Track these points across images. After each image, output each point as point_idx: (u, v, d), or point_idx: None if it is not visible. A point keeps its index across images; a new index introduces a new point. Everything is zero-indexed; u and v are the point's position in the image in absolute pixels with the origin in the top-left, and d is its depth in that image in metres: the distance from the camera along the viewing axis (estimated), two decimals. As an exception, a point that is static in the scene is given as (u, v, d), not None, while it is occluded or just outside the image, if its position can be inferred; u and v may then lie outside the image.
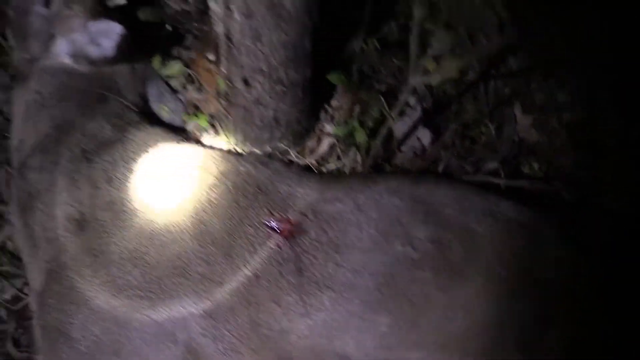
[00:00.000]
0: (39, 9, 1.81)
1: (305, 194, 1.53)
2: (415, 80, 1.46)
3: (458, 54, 2.19)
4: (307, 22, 1.39)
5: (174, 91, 1.94)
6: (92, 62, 1.66)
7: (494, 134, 2.05)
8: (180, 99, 1.94)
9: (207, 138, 1.89)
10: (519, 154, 2.00)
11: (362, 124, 1.72)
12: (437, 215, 1.46)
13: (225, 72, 1.59)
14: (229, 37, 1.44)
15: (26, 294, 1.82)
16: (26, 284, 1.83)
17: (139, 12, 2.01)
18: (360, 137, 1.67)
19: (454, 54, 2.14)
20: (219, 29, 1.44)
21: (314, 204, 1.49)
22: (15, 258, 1.83)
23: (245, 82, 1.54)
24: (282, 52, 1.44)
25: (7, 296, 1.84)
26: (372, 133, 1.74)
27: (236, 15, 1.36)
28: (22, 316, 1.83)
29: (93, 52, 1.63)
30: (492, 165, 1.98)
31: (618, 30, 1.83)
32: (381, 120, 1.73)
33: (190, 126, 1.89)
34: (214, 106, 1.89)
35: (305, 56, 1.49)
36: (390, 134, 1.84)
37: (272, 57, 1.45)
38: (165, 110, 1.81)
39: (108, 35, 1.60)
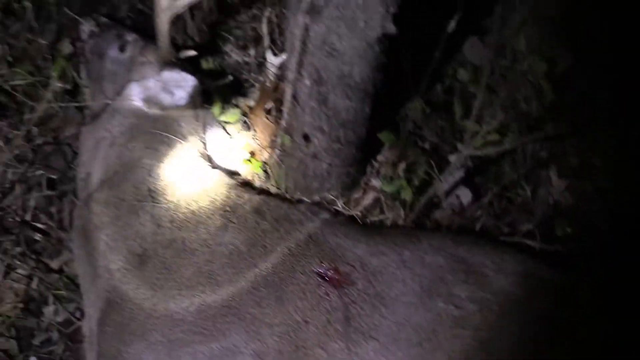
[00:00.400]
0: (115, 53, 1.97)
1: (353, 245, 1.62)
2: (468, 150, 1.55)
3: (499, 118, 2.31)
4: (370, 90, 1.51)
5: (231, 137, 2.07)
6: (163, 108, 1.79)
7: (530, 196, 2.14)
8: (229, 144, 2.06)
9: (259, 182, 2.01)
10: (553, 216, 2.08)
11: (409, 181, 1.82)
12: (477, 276, 1.54)
13: (285, 125, 1.72)
14: (295, 98, 1.57)
15: (78, 319, 1.92)
16: (79, 309, 1.93)
17: (203, 62, 2.17)
18: (407, 194, 1.77)
19: (495, 118, 2.26)
20: (287, 88, 1.56)
21: (362, 256, 1.58)
22: (71, 283, 1.94)
23: (306, 137, 1.66)
24: (344, 115, 1.56)
25: (60, 319, 1.94)
26: (418, 191, 1.84)
27: (306, 81, 1.49)
28: (72, 339, 1.92)
29: (165, 99, 1.76)
30: (528, 226, 2.06)
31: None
32: (427, 180, 1.83)
33: (244, 170, 2.01)
34: (267, 153, 2.01)
35: (363, 119, 1.61)
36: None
37: (335, 119, 1.57)
38: (223, 154, 1.92)
39: (181, 85, 1.74)
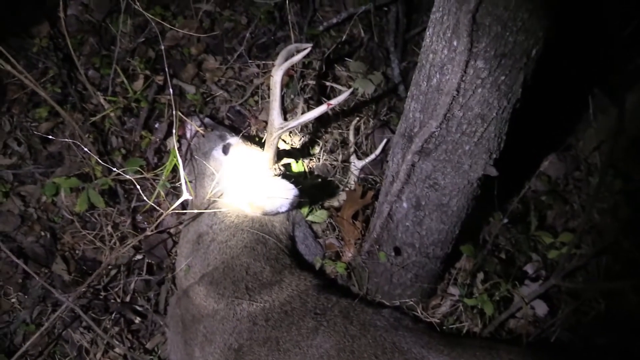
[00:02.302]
0: (218, 154, 2.16)
1: (436, 357, 1.70)
2: (557, 279, 1.64)
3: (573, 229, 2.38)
4: (462, 216, 1.64)
5: (316, 236, 2.22)
6: (265, 213, 1.96)
7: (604, 310, 2.17)
8: (320, 244, 2.21)
9: (341, 282, 2.13)
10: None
11: (490, 296, 1.91)
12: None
13: (376, 237, 1.85)
14: (390, 216, 1.71)
15: (167, 401, 2.04)
16: (168, 390, 2.06)
17: (294, 164, 2.35)
18: (489, 310, 1.85)
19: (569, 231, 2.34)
20: (384, 207, 1.71)
21: (444, 368, 1.65)
22: (161, 365, 2.08)
23: (396, 250, 1.79)
24: (436, 236, 1.68)
25: (148, 398, 2.06)
26: (497, 303, 1.92)
27: (404, 204, 1.63)
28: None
29: (268, 205, 1.93)
30: (601, 340, 2.08)
31: None
32: (508, 296, 1.91)
33: (328, 270, 2.14)
34: (350, 255, 2.14)
35: (452, 239, 1.73)
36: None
37: (427, 238, 1.70)
38: (318, 261, 2.06)
39: (284, 194, 1.90)
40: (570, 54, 2.20)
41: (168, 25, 2.29)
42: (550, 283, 1.72)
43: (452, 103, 1.25)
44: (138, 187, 2.05)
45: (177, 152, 1.89)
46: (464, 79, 1.21)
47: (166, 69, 1.88)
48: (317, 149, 2.42)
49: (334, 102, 1.86)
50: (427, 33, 1.28)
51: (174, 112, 1.86)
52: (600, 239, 2.36)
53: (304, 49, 1.93)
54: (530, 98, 1.36)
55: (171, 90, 1.82)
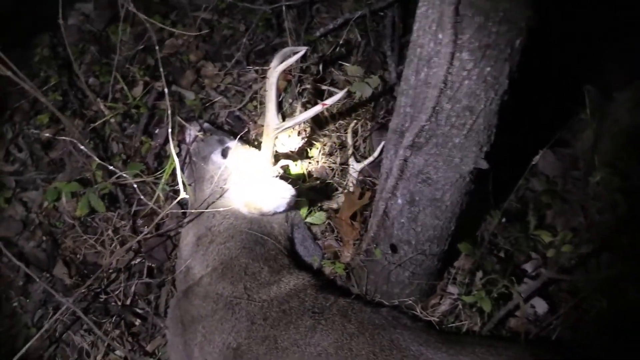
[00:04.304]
0: (217, 157, 2.18)
1: (434, 353, 1.70)
2: (551, 274, 1.64)
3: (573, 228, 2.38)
4: (457, 211, 1.65)
5: (315, 237, 2.23)
6: (262, 213, 1.98)
7: (606, 307, 2.16)
8: (319, 245, 2.22)
9: (340, 282, 2.14)
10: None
11: (488, 293, 1.91)
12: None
13: (373, 235, 1.86)
14: (386, 213, 1.72)
15: (166, 402, 2.05)
16: (168, 392, 2.06)
17: (292, 166, 2.37)
18: (487, 306, 1.85)
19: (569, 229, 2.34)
20: (379, 204, 1.72)
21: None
22: (162, 367, 2.09)
23: (393, 248, 1.79)
24: (431, 232, 1.69)
25: (148, 401, 2.07)
26: (496, 301, 1.92)
27: (399, 200, 1.64)
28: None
29: (265, 206, 1.95)
30: (602, 339, 2.07)
31: None
32: (506, 292, 1.91)
33: (327, 271, 2.15)
34: (349, 256, 2.15)
35: (448, 235, 1.74)
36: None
37: (422, 234, 1.71)
38: (315, 260, 2.08)
39: (281, 194, 1.92)
40: (565, 50, 2.22)
41: (168, 28, 2.32)
42: (545, 276, 1.72)
43: (440, 96, 1.27)
44: (138, 190, 2.09)
45: (175, 156, 1.91)
46: (450, 71, 1.23)
47: (162, 74, 1.91)
48: (315, 152, 2.44)
49: (329, 102, 1.88)
50: (414, 27, 1.30)
51: (169, 115, 1.88)
52: (599, 237, 2.36)
53: (300, 51, 1.96)
54: (520, 92, 1.37)
55: (166, 90, 1.83)
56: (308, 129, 2.40)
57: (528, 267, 2.27)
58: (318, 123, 2.42)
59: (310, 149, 2.44)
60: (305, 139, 2.42)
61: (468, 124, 1.33)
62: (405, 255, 1.81)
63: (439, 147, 1.42)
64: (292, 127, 1.92)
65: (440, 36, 1.19)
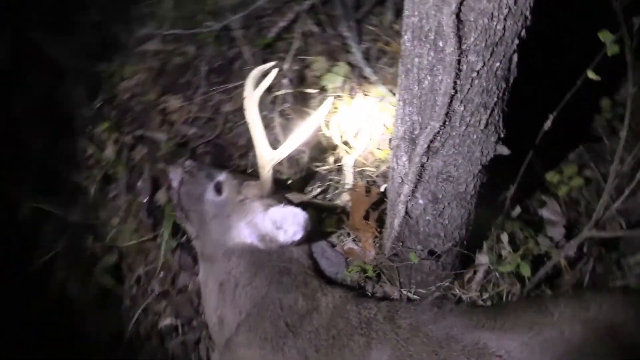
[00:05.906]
0: (212, 196, 2.07)
1: (490, 334, 1.67)
2: (591, 233, 1.62)
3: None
4: (480, 195, 1.61)
5: (333, 245, 2.17)
6: (281, 245, 1.90)
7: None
8: (339, 252, 2.16)
9: (371, 284, 2.10)
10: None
11: (523, 257, 1.89)
12: (623, 338, 1.58)
13: (396, 235, 1.81)
14: (408, 214, 1.67)
15: None
16: None
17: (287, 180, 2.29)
18: (527, 271, 1.84)
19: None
20: (399, 206, 1.66)
21: (506, 346, 1.63)
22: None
23: (422, 243, 1.75)
24: (459, 220, 1.66)
25: None
26: (533, 264, 1.91)
27: (420, 201, 1.59)
28: None
29: (281, 236, 1.86)
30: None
31: None
32: (541, 253, 1.90)
33: (356, 277, 2.10)
34: (371, 255, 2.10)
35: (473, 218, 1.70)
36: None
37: (450, 225, 1.67)
38: (347, 275, 2.02)
39: (293, 221, 1.84)
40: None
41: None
42: (583, 236, 1.70)
43: (451, 102, 1.20)
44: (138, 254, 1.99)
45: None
46: (458, 76, 1.16)
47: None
48: (305, 158, 2.36)
49: (322, 117, 1.81)
50: (405, 37, 1.22)
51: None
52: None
53: (269, 70, 1.85)
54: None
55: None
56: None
57: (544, 212, 2.26)
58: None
59: (300, 157, 2.35)
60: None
61: (484, 120, 1.27)
62: (436, 247, 1.77)
63: (457, 147, 1.36)
64: (288, 154, 1.83)
65: (441, 44, 1.11)
